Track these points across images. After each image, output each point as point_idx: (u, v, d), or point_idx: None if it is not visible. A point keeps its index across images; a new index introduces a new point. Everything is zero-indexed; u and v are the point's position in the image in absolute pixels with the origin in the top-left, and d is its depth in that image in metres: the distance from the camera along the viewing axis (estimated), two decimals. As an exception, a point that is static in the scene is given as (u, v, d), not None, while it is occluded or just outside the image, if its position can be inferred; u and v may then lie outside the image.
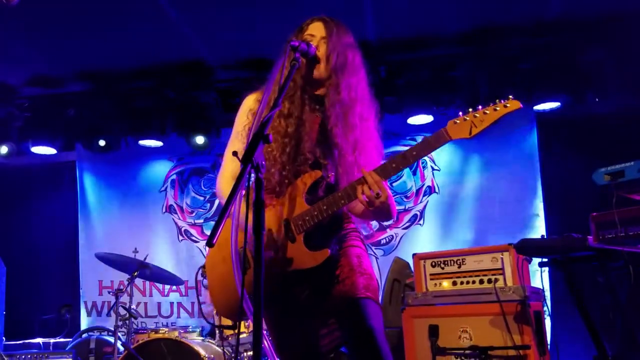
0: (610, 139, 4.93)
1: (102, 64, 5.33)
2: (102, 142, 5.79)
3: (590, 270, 2.79)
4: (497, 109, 1.89)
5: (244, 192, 1.54)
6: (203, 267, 2.43)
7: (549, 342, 3.39)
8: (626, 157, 2.35)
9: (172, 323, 6.02)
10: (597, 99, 4.93)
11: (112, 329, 4.21)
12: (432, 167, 5.98)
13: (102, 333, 4.82)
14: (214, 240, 1.31)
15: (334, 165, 2.06)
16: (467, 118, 1.91)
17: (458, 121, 1.92)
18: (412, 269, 3.64)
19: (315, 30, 2.12)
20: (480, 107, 1.93)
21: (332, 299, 2.04)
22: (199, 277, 4.47)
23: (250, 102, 2.23)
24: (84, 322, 6.22)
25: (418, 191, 5.95)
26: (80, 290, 6.32)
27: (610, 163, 2.36)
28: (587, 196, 2.80)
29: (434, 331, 3.26)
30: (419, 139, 5.98)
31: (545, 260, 2.87)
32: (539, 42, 4.89)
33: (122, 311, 4.23)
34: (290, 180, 2.06)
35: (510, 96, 1.93)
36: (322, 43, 2.11)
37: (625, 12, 4.44)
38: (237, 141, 2.19)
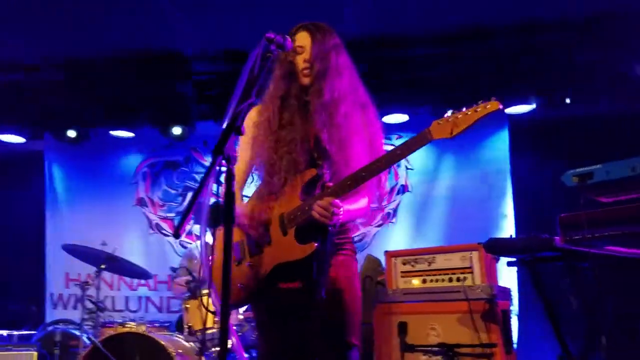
0: (579, 141, 5.03)
1: (75, 51, 5.22)
2: (72, 133, 5.67)
3: (557, 270, 2.84)
4: (478, 110, 1.95)
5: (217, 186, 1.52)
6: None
7: (515, 340, 3.45)
8: (595, 160, 2.39)
9: (140, 318, 5.94)
10: (568, 102, 5.01)
11: (78, 322, 4.14)
12: (406, 166, 6.02)
13: (68, 326, 4.73)
14: (181, 232, 1.30)
15: (329, 166, 2.18)
16: (450, 119, 1.97)
17: (441, 122, 1.99)
18: (384, 266, 3.66)
19: (304, 41, 2.24)
20: (464, 108, 1.99)
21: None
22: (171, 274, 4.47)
23: (252, 114, 2.32)
24: (50, 315, 6.10)
25: (392, 190, 6.00)
26: (47, 282, 6.19)
27: (579, 165, 2.40)
28: (555, 197, 2.85)
29: (403, 328, 3.29)
30: (394, 137, 6.08)
31: (513, 259, 2.91)
32: (513, 44, 4.95)
33: (88, 304, 4.16)
34: (290, 180, 2.18)
35: (493, 98, 1.98)
36: (307, 51, 2.24)
37: (599, 17, 4.53)
38: (243, 152, 2.30)
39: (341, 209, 2.02)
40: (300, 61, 2.23)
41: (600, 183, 2.31)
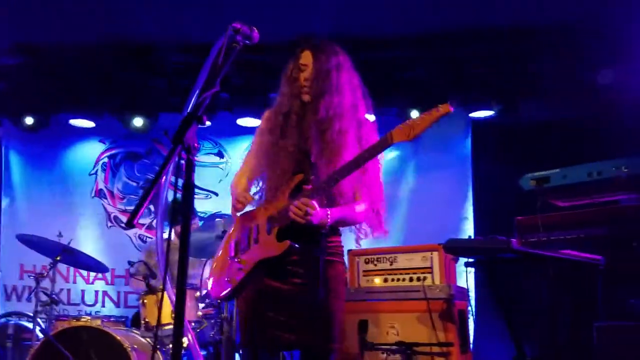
0: (538, 146, 5.15)
1: (35, 36, 5.06)
2: (29, 120, 5.50)
3: (513, 272, 2.90)
4: (432, 113, 2.13)
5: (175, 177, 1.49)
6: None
7: (471, 340, 3.50)
8: (552, 165, 2.44)
9: (96, 312, 5.81)
10: (528, 109, 5.14)
11: (32, 315, 4.02)
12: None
13: (21, 318, 4.60)
14: (134, 221, 1.27)
15: (315, 175, 2.32)
16: (409, 123, 2.16)
17: (402, 126, 2.17)
18: (347, 265, 3.67)
19: (307, 60, 2.38)
20: (420, 113, 2.21)
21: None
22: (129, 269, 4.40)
23: (262, 120, 2.52)
24: (3, 307, 5.91)
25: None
26: (0, 273, 6.00)
27: (537, 169, 2.45)
28: (514, 201, 2.90)
29: (363, 326, 3.30)
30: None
31: (471, 260, 2.95)
32: (477, 50, 5.04)
33: (42, 297, 4.06)
34: (281, 186, 2.34)
35: (448, 102, 2.14)
36: (308, 69, 2.38)
37: (562, 24, 4.64)
38: (252, 159, 2.52)
39: (315, 209, 2.16)
40: (302, 79, 2.38)
41: (556, 187, 2.37)
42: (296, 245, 2.24)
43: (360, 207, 2.34)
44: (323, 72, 2.35)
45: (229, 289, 2.35)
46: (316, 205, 2.18)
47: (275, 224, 2.29)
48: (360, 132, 2.39)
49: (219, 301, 3.73)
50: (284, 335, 2.25)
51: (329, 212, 2.23)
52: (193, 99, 1.53)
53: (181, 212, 1.45)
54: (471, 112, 5.46)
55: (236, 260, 2.36)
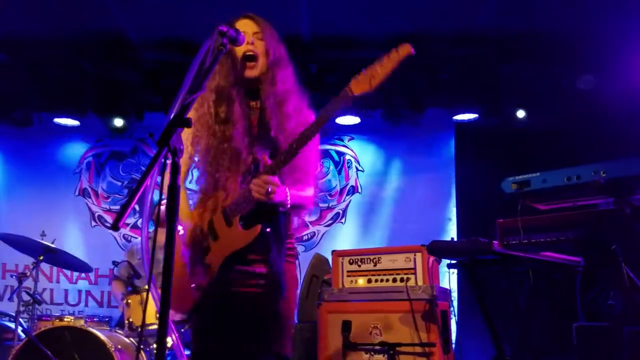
0: (520, 150, 5.22)
1: (17, 32, 5.00)
2: (13, 119, 5.44)
3: (495, 273, 2.94)
4: (391, 56, 1.93)
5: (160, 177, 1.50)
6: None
7: (453, 341, 3.54)
8: (533, 168, 2.48)
9: (79, 312, 5.77)
10: (510, 112, 5.20)
11: (14, 315, 3.99)
12: (356, 167, 6.10)
13: (3, 318, 4.56)
14: (120, 224, 1.27)
15: (270, 151, 2.12)
16: (367, 72, 1.95)
17: (358, 77, 1.96)
18: (331, 265, 3.69)
19: (246, 27, 2.16)
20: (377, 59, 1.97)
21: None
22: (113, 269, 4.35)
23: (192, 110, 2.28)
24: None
25: (342, 190, 6.06)
26: (-19, 273, 5.94)
27: (519, 173, 2.49)
28: (496, 203, 2.94)
29: (346, 326, 3.32)
30: (346, 139, 6.15)
31: (453, 262, 2.99)
32: (462, 53, 5.09)
33: (25, 296, 4.02)
34: (232, 175, 2.15)
35: (408, 44, 1.94)
36: (255, 39, 2.18)
37: (544, 30, 4.71)
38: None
39: (278, 186, 1.98)
40: (243, 47, 2.11)
41: (536, 191, 2.41)
42: (268, 230, 2.06)
43: (310, 191, 2.18)
44: (274, 41, 2.18)
45: (199, 296, 2.15)
46: (278, 181, 1.99)
47: (234, 214, 2.10)
48: (311, 114, 2.22)
49: (184, 318, 3.24)
50: (245, 346, 2.10)
51: (288, 190, 2.04)
52: (179, 101, 1.54)
53: (167, 214, 1.46)
54: (455, 115, 5.52)
55: (198, 265, 2.17)
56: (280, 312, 2.14)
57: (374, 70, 1.94)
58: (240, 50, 2.15)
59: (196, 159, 2.25)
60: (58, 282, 6.03)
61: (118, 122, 5.47)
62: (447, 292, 3.46)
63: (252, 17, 2.22)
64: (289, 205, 2.06)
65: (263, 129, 2.18)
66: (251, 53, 2.16)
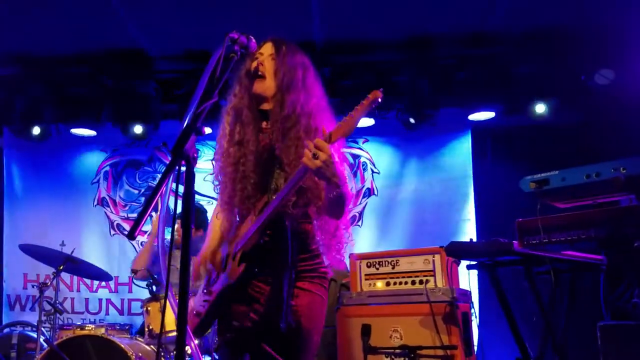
0: (538, 149, 5.16)
1: (35, 47, 5.09)
2: (31, 130, 5.51)
3: (516, 274, 2.90)
4: (362, 104, 1.94)
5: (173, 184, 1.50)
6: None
7: (475, 343, 3.50)
8: (552, 166, 2.45)
9: (100, 320, 5.82)
10: (528, 110, 5.14)
11: (36, 324, 4.03)
12: (372, 169, 6.08)
13: (25, 328, 4.61)
14: (136, 233, 1.27)
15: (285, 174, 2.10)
16: (345, 120, 1.96)
17: (340, 124, 1.96)
18: (349, 269, 3.68)
19: (264, 49, 2.20)
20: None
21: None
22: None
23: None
24: (7, 317, 5.92)
25: (358, 193, 6.04)
26: (4, 283, 6.01)
27: (537, 171, 2.46)
28: (514, 203, 2.91)
29: (366, 330, 3.30)
30: (360, 141, 6.13)
31: (473, 263, 2.95)
32: (477, 52, 5.05)
33: (46, 306, 4.06)
34: (245, 213, 2.16)
35: (380, 89, 1.96)
36: (268, 60, 2.19)
37: (560, 25, 4.66)
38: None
39: (330, 155, 1.85)
40: (254, 64, 2.16)
41: (556, 189, 2.38)
42: (255, 270, 2.07)
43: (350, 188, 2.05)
44: (288, 64, 2.16)
45: (197, 322, 2.20)
46: (333, 152, 1.86)
47: (237, 247, 2.12)
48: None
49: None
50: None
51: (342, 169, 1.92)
52: (191, 110, 1.54)
53: (182, 222, 1.46)
54: (471, 114, 5.48)
55: (204, 292, 2.22)
56: (295, 337, 2.07)
57: (349, 118, 1.93)
58: (252, 65, 2.18)
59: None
60: (79, 291, 6.08)
61: (138, 129, 5.50)
62: (467, 294, 3.42)
63: (273, 40, 2.23)
64: (341, 186, 1.92)
65: (270, 152, 2.17)
66: (256, 68, 2.16)
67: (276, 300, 2.03)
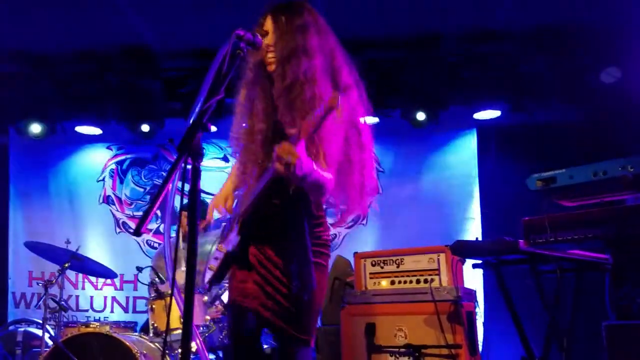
0: (544, 146, 5.14)
1: (40, 44, 5.10)
2: (36, 128, 5.52)
3: (521, 273, 2.89)
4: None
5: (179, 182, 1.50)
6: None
7: (480, 342, 3.49)
8: (557, 165, 2.44)
9: (105, 318, 5.84)
10: (534, 109, 5.13)
11: (41, 322, 4.04)
12: (376, 168, 6.06)
13: (30, 325, 4.63)
14: (142, 230, 1.27)
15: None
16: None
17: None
18: (353, 267, 3.67)
19: (268, 25, 2.13)
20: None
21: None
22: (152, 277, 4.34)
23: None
24: (12, 314, 5.94)
25: (362, 191, 6.02)
26: (9, 281, 6.04)
27: (543, 169, 2.45)
28: (520, 201, 2.90)
29: (370, 329, 3.29)
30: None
31: (478, 261, 2.94)
32: (483, 50, 5.04)
33: (51, 303, 4.07)
34: (250, 170, 2.18)
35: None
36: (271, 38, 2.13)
37: (566, 23, 4.64)
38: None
39: (298, 156, 1.73)
40: (264, 46, 2.09)
41: (562, 187, 2.36)
42: (250, 239, 2.13)
43: (328, 174, 1.96)
44: (284, 35, 2.09)
45: (211, 275, 2.24)
46: (301, 151, 1.75)
47: (239, 216, 2.15)
48: (348, 100, 2.08)
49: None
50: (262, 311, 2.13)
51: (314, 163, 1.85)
52: (198, 107, 1.54)
53: (188, 218, 1.46)
54: (476, 112, 5.46)
55: (217, 248, 2.27)
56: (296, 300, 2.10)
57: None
58: (264, 47, 2.11)
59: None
60: (83, 288, 6.10)
61: (145, 127, 5.51)
62: (472, 293, 3.41)
63: (271, 12, 2.16)
64: (308, 180, 1.84)
65: (275, 127, 2.14)
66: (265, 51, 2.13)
67: (278, 267, 2.08)
